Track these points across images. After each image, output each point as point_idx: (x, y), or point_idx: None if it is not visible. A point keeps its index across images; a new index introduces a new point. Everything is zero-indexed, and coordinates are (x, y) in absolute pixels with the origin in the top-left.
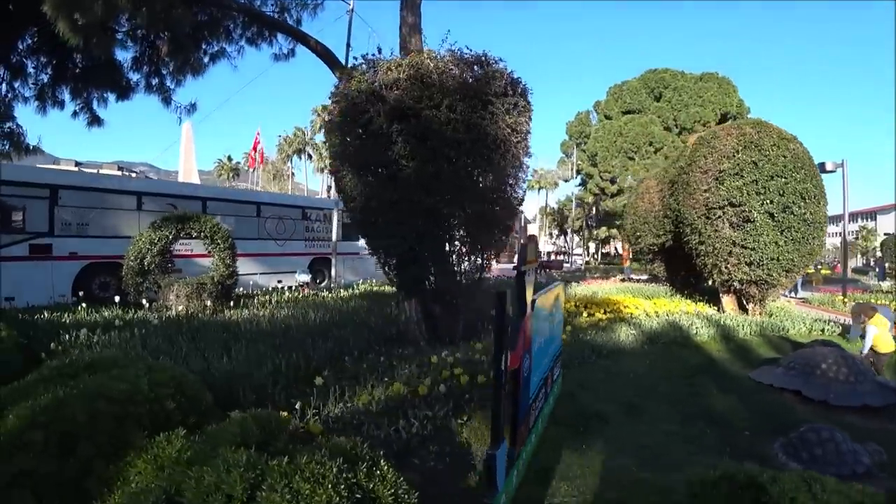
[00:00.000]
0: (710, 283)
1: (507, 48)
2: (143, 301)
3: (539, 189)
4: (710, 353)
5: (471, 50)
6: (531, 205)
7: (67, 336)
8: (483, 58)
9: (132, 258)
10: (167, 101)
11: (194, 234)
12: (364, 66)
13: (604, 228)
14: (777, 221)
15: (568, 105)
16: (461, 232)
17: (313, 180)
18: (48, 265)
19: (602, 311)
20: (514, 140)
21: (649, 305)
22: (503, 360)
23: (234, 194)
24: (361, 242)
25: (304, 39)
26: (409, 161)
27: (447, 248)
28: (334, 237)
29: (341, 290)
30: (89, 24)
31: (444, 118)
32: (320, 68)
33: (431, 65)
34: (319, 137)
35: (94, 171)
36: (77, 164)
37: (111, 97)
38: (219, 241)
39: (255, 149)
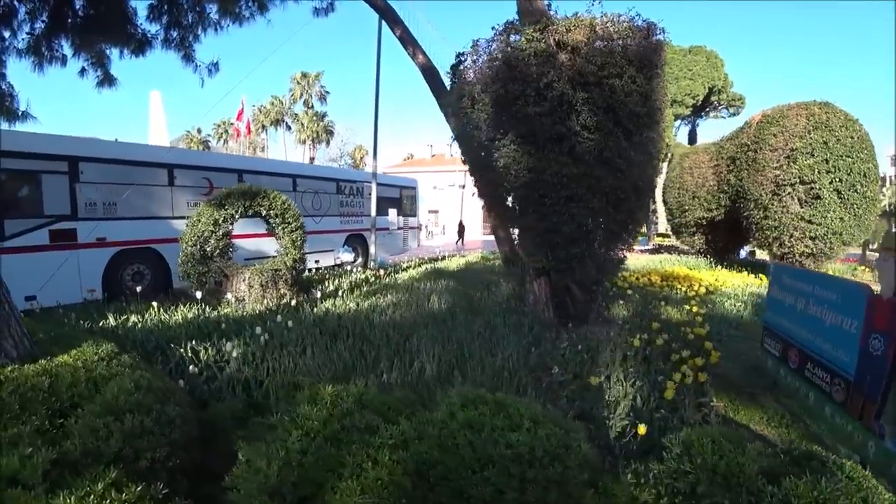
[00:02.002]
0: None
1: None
2: (197, 294)
3: None
4: None
5: (639, 15)
6: None
7: (203, 354)
8: (653, 27)
9: (190, 243)
10: (189, 57)
11: (263, 212)
12: (531, 23)
13: None
14: (843, 199)
15: None
16: (621, 210)
17: (293, 152)
18: (73, 255)
19: (685, 284)
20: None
21: (710, 277)
22: None
23: (271, 166)
24: (390, 217)
25: None
26: (591, 133)
27: (604, 227)
28: (373, 212)
29: (384, 270)
30: None
31: (627, 89)
32: (299, 33)
33: (612, 29)
34: (299, 107)
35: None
36: None
37: (119, 53)
38: (290, 219)
39: (239, 118)
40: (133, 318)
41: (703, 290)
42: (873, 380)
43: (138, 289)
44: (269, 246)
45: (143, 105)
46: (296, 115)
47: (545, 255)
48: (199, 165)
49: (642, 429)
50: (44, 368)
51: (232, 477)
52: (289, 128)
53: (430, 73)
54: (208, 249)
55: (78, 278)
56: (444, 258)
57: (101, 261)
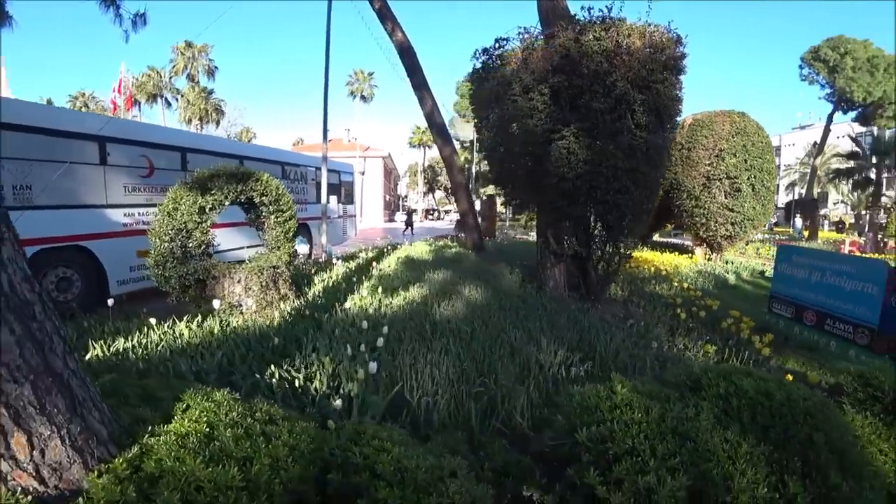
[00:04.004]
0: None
1: None
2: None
3: (419, 146)
4: (747, 289)
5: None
6: (402, 161)
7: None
8: (680, 38)
9: (167, 237)
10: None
11: (256, 199)
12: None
13: (491, 187)
14: (755, 192)
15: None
16: (650, 201)
17: None
18: None
19: (634, 265)
20: None
21: (649, 257)
22: None
23: (217, 144)
24: (332, 204)
25: None
26: (642, 131)
27: (635, 217)
28: (323, 199)
29: (342, 261)
30: None
31: (669, 93)
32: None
33: (657, 38)
34: (181, 82)
35: None
36: None
37: None
38: (284, 207)
39: (119, 90)
40: (122, 344)
41: (653, 269)
42: None
43: (64, 299)
44: (226, 239)
45: None
46: (178, 90)
47: (583, 242)
48: (137, 140)
49: None
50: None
51: None
52: (169, 104)
53: (407, 52)
54: (191, 245)
55: None
56: (393, 247)
57: None
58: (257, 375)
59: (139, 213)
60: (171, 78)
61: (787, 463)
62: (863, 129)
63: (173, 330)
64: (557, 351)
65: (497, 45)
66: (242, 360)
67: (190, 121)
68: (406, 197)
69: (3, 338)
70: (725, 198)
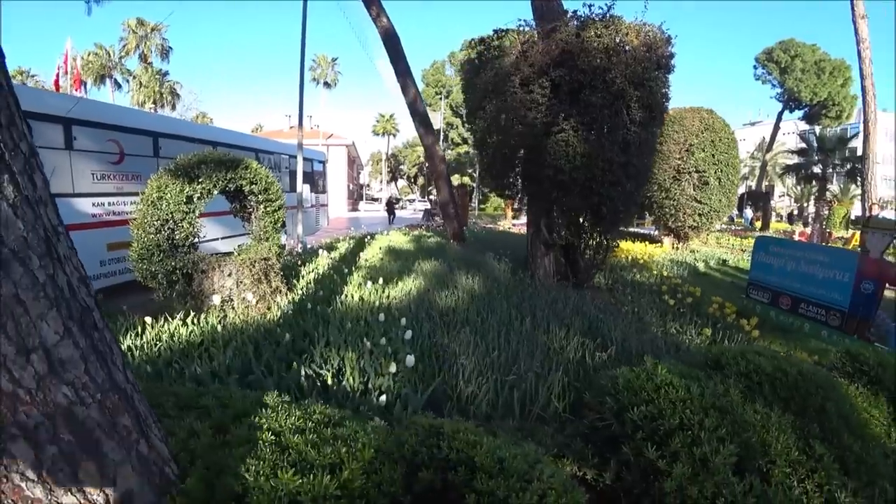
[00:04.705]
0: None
1: None
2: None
3: (383, 134)
4: (718, 277)
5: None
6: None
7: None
8: (670, 38)
9: (152, 228)
10: None
11: (245, 187)
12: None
13: (456, 175)
14: (722, 185)
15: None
16: (638, 193)
17: None
18: None
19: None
20: None
21: (624, 246)
22: None
23: (191, 129)
24: (305, 194)
25: None
26: (636, 127)
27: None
28: (299, 187)
29: (325, 252)
30: None
31: (660, 91)
32: None
33: (652, 38)
34: (132, 63)
35: None
36: None
37: None
38: (273, 196)
39: (65, 69)
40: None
41: (630, 258)
42: (865, 309)
43: None
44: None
45: None
46: (129, 71)
47: (575, 233)
48: (106, 123)
49: None
50: None
51: None
52: (119, 86)
53: (391, 38)
54: (179, 237)
55: None
56: (372, 237)
57: None
58: (283, 374)
59: (109, 203)
60: (121, 58)
61: (807, 429)
62: (807, 127)
63: (168, 328)
64: (572, 337)
65: (495, 35)
66: (258, 358)
67: (143, 104)
68: (368, 185)
69: (66, 352)
70: (694, 190)
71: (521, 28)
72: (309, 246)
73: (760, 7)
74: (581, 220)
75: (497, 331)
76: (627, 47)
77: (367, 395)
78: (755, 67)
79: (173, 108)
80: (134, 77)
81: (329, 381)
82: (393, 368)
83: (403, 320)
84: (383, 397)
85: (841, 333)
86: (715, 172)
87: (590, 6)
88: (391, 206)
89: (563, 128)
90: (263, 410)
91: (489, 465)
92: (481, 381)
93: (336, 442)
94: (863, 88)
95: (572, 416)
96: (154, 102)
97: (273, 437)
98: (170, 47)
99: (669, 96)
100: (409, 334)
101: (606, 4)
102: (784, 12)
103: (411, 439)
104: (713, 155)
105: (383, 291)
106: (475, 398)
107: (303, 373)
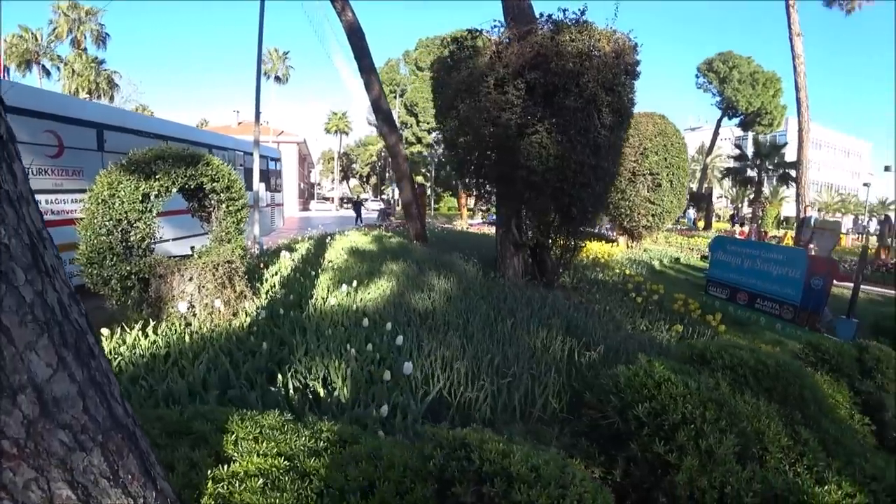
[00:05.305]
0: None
1: None
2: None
3: (336, 132)
4: (673, 275)
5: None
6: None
7: None
8: (636, 45)
9: (103, 229)
10: None
11: (206, 185)
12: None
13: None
14: (673, 187)
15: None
16: (606, 195)
17: None
18: None
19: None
20: None
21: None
22: None
23: (141, 122)
24: (260, 192)
25: None
26: (607, 131)
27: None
28: (255, 186)
29: (287, 253)
30: None
31: (628, 96)
32: None
33: (621, 45)
34: (64, 49)
35: None
36: None
37: None
38: (236, 195)
39: None
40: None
41: (591, 257)
42: (816, 303)
43: None
44: None
45: None
46: (59, 57)
47: (545, 233)
48: (43, 112)
49: None
50: None
51: None
52: (48, 73)
53: (356, 33)
54: (133, 238)
55: None
56: (332, 236)
57: None
58: (268, 388)
59: (46, 201)
60: (50, 43)
61: (791, 416)
62: (742, 133)
63: (127, 340)
64: (555, 337)
65: (469, 35)
66: (236, 370)
67: (76, 93)
68: (320, 184)
69: (61, 388)
70: (648, 192)
71: (496, 28)
72: (266, 247)
73: (702, 18)
74: (551, 220)
75: (482, 333)
76: (598, 53)
77: (360, 405)
78: (697, 76)
79: (111, 99)
80: (66, 64)
81: (321, 393)
82: (388, 376)
83: (389, 325)
84: (384, 408)
85: (794, 326)
86: (667, 175)
87: (564, 10)
88: (358, 206)
89: (538, 129)
90: (273, 433)
91: (525, 473)
92: (478, 386)
93: (360, 463)
94: (798, 100)
95: (570, 416)
96: (89, 92)
97: (287, 463)
98: (107, 34)
99: (635, 102)
100: (400, 339)
101: (580, 9)
102: (724, 23)
103: (437, 453)
104: (665, 158)
105: (356, 294)
106: (474, 403)
107: (290, 385)
